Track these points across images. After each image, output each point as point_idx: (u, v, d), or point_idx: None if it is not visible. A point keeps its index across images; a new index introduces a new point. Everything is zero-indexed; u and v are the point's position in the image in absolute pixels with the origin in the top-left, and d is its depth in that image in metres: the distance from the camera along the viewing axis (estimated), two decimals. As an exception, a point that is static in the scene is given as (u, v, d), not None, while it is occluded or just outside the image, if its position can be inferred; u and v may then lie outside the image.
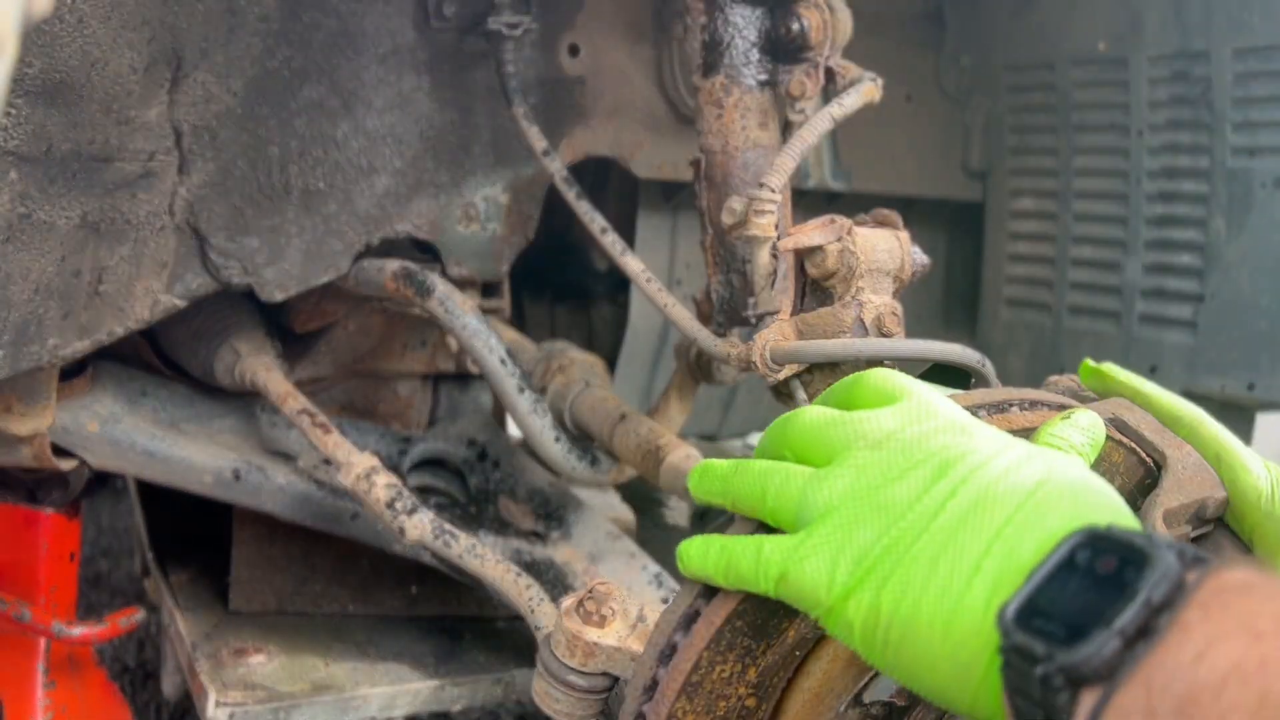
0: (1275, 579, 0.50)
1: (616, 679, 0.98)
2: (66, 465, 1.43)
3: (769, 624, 0.76)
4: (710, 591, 0.76)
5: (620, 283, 1.97)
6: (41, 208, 1.12)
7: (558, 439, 1.41)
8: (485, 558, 1.21)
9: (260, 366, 1.47)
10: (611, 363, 1.93)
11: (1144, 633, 0.49)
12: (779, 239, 1.07)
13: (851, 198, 1.87)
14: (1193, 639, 0.48)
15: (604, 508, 1.77)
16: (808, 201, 1.82)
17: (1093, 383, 0.87)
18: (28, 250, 1.12)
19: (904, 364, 0.99)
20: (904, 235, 1.07)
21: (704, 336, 1.19)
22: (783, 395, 1.12)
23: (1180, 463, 0.87)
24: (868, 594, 0.64)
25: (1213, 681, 0.46)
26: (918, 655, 0.61)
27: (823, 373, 1.06)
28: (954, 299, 2.07)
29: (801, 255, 1.06)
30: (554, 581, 1.51)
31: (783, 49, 1.18)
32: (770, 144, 1.20)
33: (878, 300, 1.04)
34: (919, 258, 1.08)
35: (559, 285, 2.15)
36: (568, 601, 1.00)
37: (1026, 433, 0.79)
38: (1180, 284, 1.64)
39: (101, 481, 2.69)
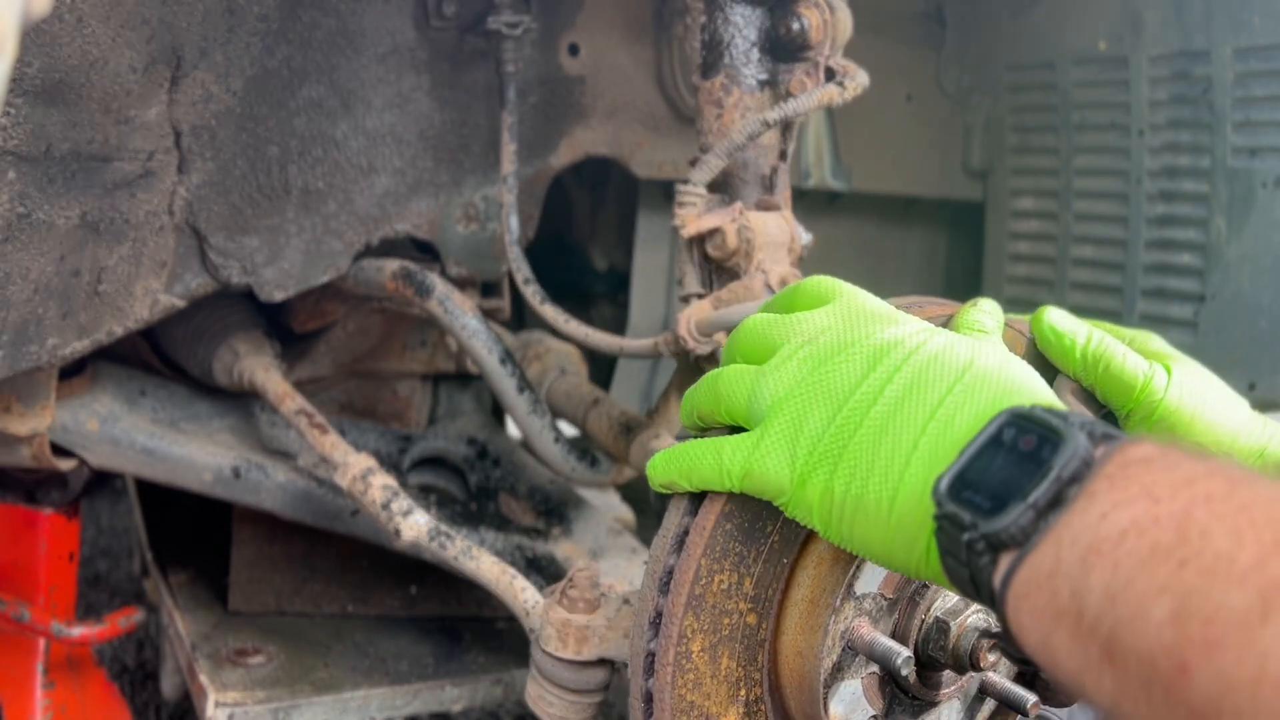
0: (1175, 451, 0.55)
1: (613, 670, 0.99)
2: (66, 465, 1.43)
3: (755, 527, 0.81)
4: (694, 509, 0.80)
5: (620, 282, 1.97)
6: (41, 207, 1.12)
7: (557, 439, 1.41)
8: (480, 559, 1.21)
9: (259, 366, 1.47)
10: (611, 363, 1.93)
11: (1055, 503, 0.56)
12: (681, 230, 1.15)
13: (852, 197, 1.86)
14: (1098, 504, 0.54)
15: (603, 508, 1.76)
16: (808, 201, 1.82)
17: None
18: (27, 250, 1.12)
19: None
20: (788, 214, 1.16)
21: (626, 344, 1.28)
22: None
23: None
24: (821, 478, 0.70)
25: (1113, 535, 0.51)
26: (868, 529, 0.67)
27: None
28: (954, 298, 2.06)
29: (704, 241, 1.14)
30: (555, 577, 1.51)
31: (783, 48, 1.18)
32: (770, 144, 1.20)
33: (780, 269, 1.12)
34: (804, 234, 1.17)
35: (559, 285, 2.15)
36: (550, 593, 1.01)
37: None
38: (1181, 284, 1.64)
39: (101, 482, 2.69)
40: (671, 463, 0.79)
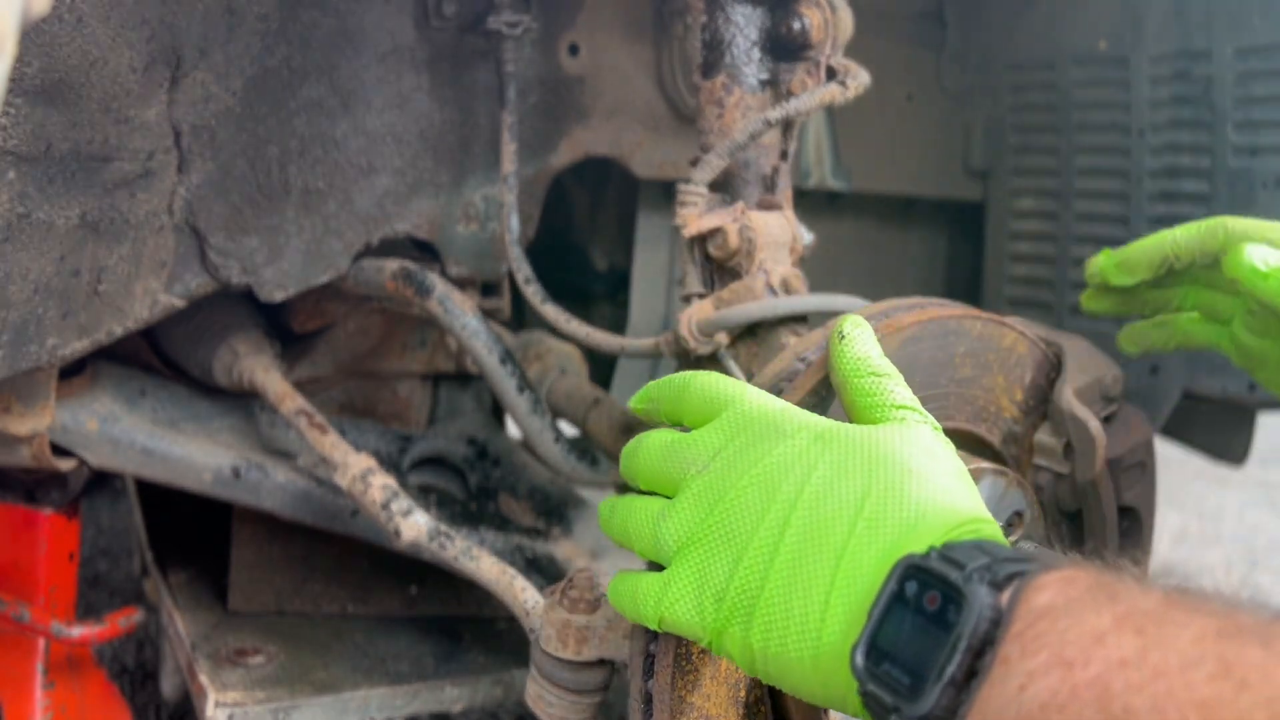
0: (1078, 587, 0.53)
1: (613, 670, 0.99)
2: (66, 465, 1.43)
3: None
4: None
5: (620, 282, 1.97)
6: (40, 207, 1.12)
7: (557, 439, 1.41)
8: (481, 559, 1.21)
9: (258, 367, 1.46)
10: (611, 363, 1.93)
11: (971, 675, 0.53)
12: (683, 230, 1.14)
13: (852, 197, 1.86)
14: (1014, 674, 0.51)
15: (604, 508, 1.76)
16: (809, 201, 1.82)
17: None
18: (26, 250, 1.12)
19: (816, 318, 1.07)
20: (789, 214, 1.16)
21: (627, 344, 1.28)
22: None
23: (1074, 349, 0.99)
24: (737, 631, 0.66)
25: (1034, 710, 0.49)
26: (797, 686, 0.65)
27: (746, 343, 1.12)
28: (955, 298, 2.06)
29: (706, 241, 1.14)
30: (555, 577, 1.51)
31: (784, 48, 1.18)
32: (771, 143, 1.20)
33: (781, 268, 1.12)
34: (805, 233, 1.17)
35: (559, 285, 2.15)
36: (550, 593, 1.01)
37: (909, 335, 0.87)
38: (1181, 284, 1.63)
39: (100, 482, 2.69)
40: (616, 590, 0.78)
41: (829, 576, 0.62)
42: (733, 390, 0.76)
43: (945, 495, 0.65)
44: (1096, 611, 0.50)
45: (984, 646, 0.53)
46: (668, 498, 0.74)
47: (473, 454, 1.69)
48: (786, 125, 1.19)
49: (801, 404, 0.82)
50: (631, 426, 1.36)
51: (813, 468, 0.67)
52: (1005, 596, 0.54)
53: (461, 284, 1.51)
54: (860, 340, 0.78)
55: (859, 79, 1.17)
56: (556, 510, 1.66)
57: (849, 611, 0.61)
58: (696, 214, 1.13)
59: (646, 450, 0.77)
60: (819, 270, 1.43)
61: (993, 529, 0.63)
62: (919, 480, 0.65)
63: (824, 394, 0.83)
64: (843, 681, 0.60)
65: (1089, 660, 0.49)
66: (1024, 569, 0.55)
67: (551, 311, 1.34)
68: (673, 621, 0.71)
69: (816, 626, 0.62)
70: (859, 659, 0.58)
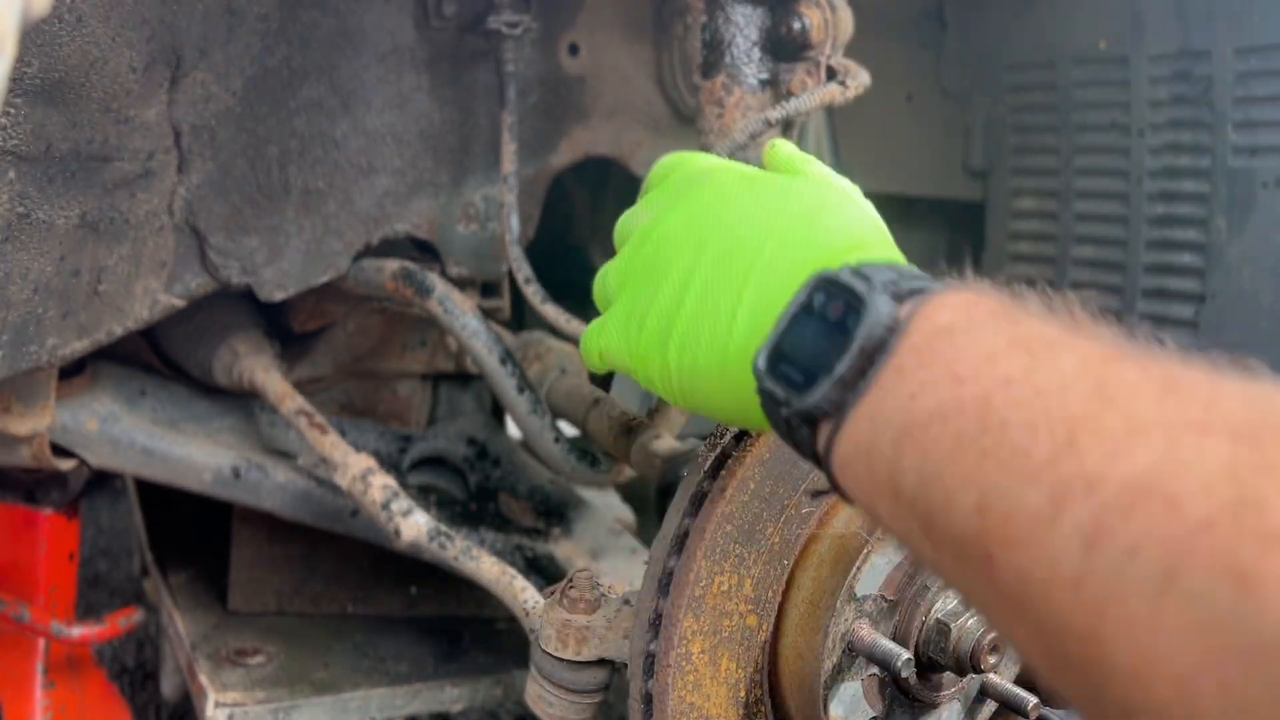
0: (980, 310, 0.54)
1: (613, 670, 0.99)
2: (66, 465, 1.43)
3: (755, 528, 0.81)
4: (694, 510, 0.79)
5: (620, 282, 1.97)
6: (40, 207, 1.12)
7: (557, 439, 1.41)
8: (481, 560, 1.21)
9: (258, 366, 1.46)
10: (611, 362, 1.92)
11: (861, 375, 0.55)
12: None
13: (852, 197, 1.86)
14: (906, 382, 0.53)
15: (603, 508, 1.76)
16: (808, 201, 1.81)
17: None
18: (27, 250, 1.12)
19: None
20: None
21: None
22: None
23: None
24: (657, 355, 0.71)
25: (921, 419, 0.51)
26: (708, 398, 0.69)
27: None
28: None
29: None
30: (555, 577, 1.51)
31: (784, 48, 1.18)
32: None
33: None
34: None
35: (559, 285, 2.15)
36: (550, 593, 1.01)
37: None
38: (1181, 284, 1.63)
39: (100, 482, 2.69)
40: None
41: (738, 293, 0.66)
42: (683, 157, 0.83)
43: (858, 226, 0.69)
44: (994, 332, 0.52)
45: (876, 351, 0.55)
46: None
47: (473, 454, 1.69)
48: (787, 125, 1.19)
49: None
50: (631, 427, 1.36)
51: (733, 202, 0.72)
52: (905, 309, 0.55)
53: (461, 284, 1.50)
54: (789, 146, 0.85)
55: (859, 79, 1.17)
56: (556, 510, 1.66)
57: (755, 322, 0.65)
58: None
59: (618, 223, 0.84)
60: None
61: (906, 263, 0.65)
62: (832, 212, 0.69)
63: None
64: (747, 387, 0.63)
65: (978, 376, 0.50)
66: (928, 287, 0.57)
67: (551, 311, 1.33)
68: (609, 352, 0.76)
69: (725, 336, 0.66)
70: (761, 361, 0.60)
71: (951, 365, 0.51)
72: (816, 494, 0.85)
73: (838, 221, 0.69)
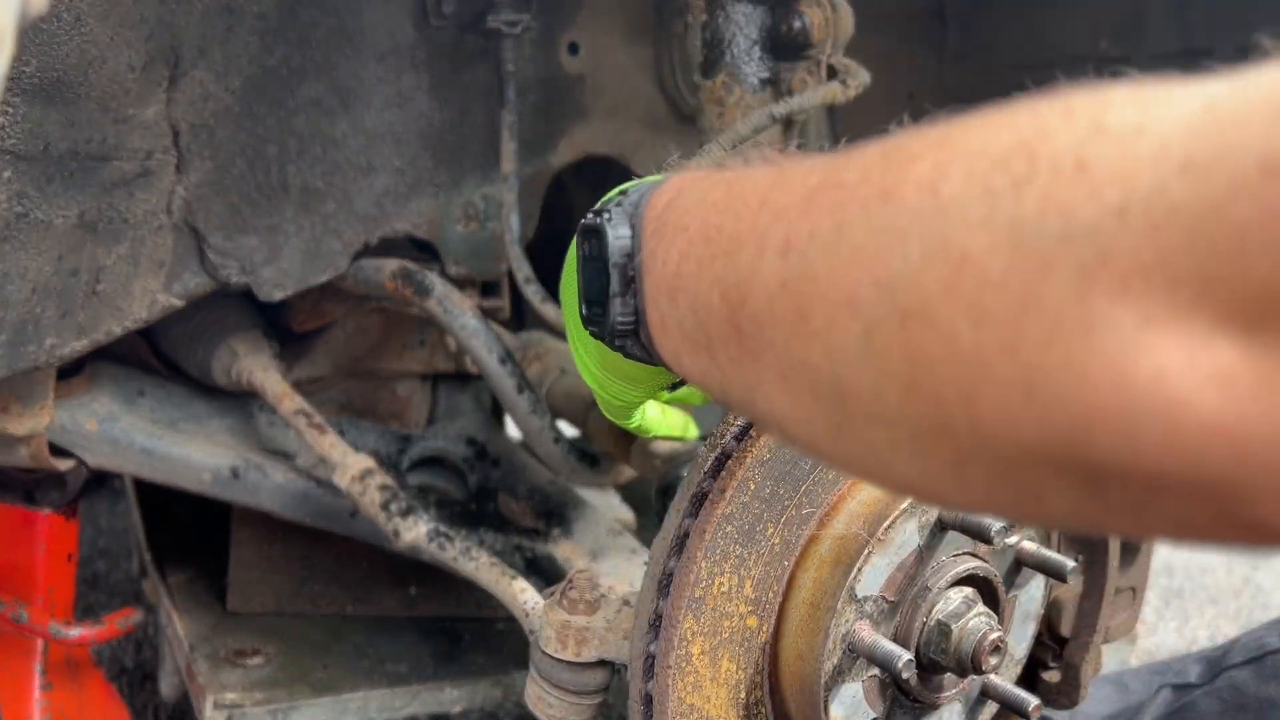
0: (693, 179, 0.66)
1: (613, 671, 0.99)
2: (64, 465, 1.43)
3: (755, 529, 0.81)
4: (695, 511, 0.78)
5: (620, 282, 1.96)
6: (39, 206, 1.12)
7: (557, 439, 1.41)
8: (480, 560, 1.21)
9: (257, 366, 1.46)
10: (611, 362, 1.92)
11: (629, 282, 0.68)
12: None
13: (852, 197, 1.86)
14: (659, 257, 0.64)
15: (603, 508, 1.76)
16: (808, 201, 1.81)
17: None
18: (25, 249, 1.12)
19: None
20: None
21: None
22: None
23: None
24: (571, 320, 0.83)
25: (678, 272, 0.62)
26: (583, 355, 0.83)
27: None
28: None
29: None
30: (555, 578, 1.50)
31: (784, 47, 1.17)
32: (772, 143, 1.20)
33: None
34: None
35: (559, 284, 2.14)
36: (550, 594, 1.00)
37: None
38: (1182, 283, 1.63)
39: (99, 482, 2.68)
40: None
41: (572, 274, 0.80)
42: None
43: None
44: (707, 184, 0.64)
45: (629, 257, 0.68)
46: None
47: (472, 454, 1.69)
48: (787, 124, 1.18)
49: None
50: (631, 427, 1.35)
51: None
52: (642, 208, 0.69)
53: (461, 284, 1.50)
54: None
55: (859, 77, 1.17)
56: (556, 510, 1.66)
57: (576, 285, 0.78)
58: None
59: None
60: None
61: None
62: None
63: None
64: (594, 341, 0.78)
65: (695, 217, 0.62)
66: (648, 186, 0.70)
67: (551, 311, 1.33)
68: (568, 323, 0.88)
69: (573, 307, 0.79)
70: (583, 313, 0.75)
71: (679, 222, 0.64)
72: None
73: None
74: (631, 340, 0.70)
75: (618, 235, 0.69)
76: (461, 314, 1.36)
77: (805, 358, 0.51)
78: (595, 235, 0.71)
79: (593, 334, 0.76)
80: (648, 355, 0.71)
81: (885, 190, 0.48)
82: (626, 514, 1.83)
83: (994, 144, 0.46)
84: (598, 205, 0.73)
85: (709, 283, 0.59)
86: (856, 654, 0.83)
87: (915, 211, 0.46)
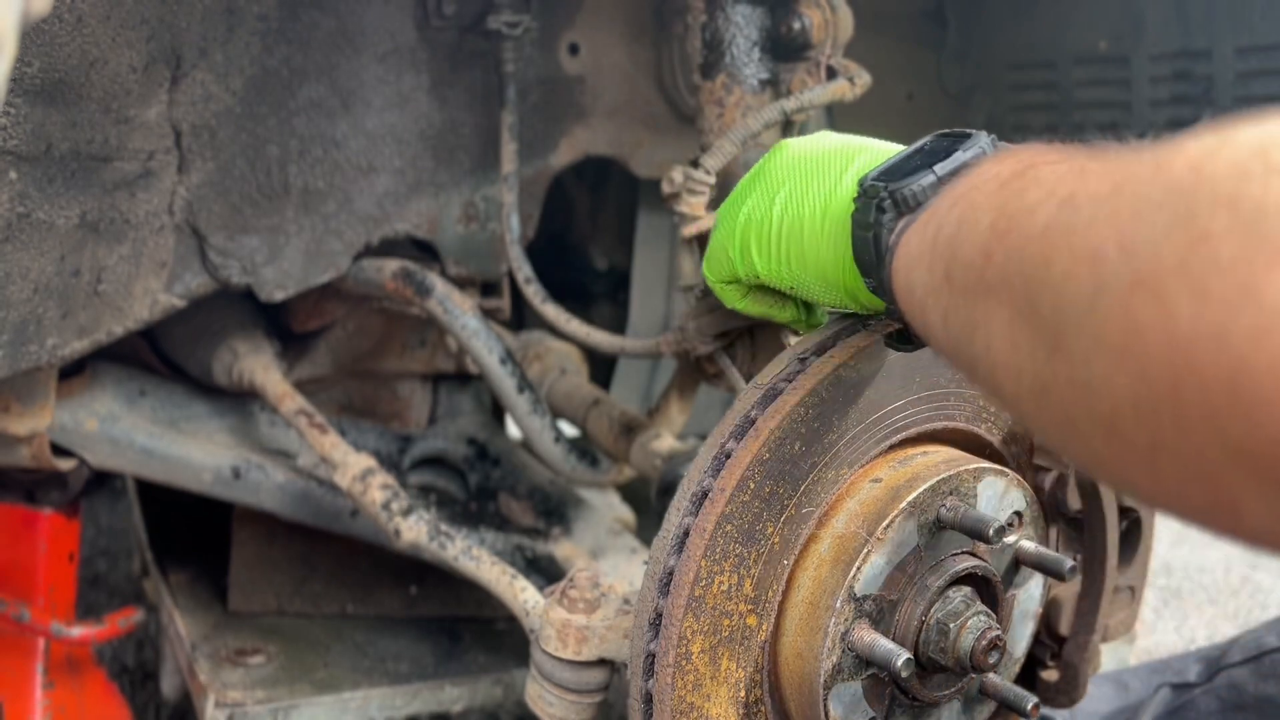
0: (1040, 150, 0.64)
1: (613, 670, 0.99)
2: (65, 465, 1.43)
3: (755, 528, 0.81)
4: (695, 510, 0.79)
5: (620, 282, 1.97)
6: (40, 207, 1.12)
7: (557, 439, 1.41)
8: (480, 560, 1.21)
9: (258, 366, 1.46)
10: (611, 363, 1.93)
11: (953, 174, 0.69)
12: (681, 228, 1.14)
13: (852, 197, 1.86)
14: (978, 171, 0.65)
15: (603, 508, 1.76)
16: (808, 201, 1.81)
17: None
18: (27, 250, 1.12)
19: None
20: None
21: (627, 344, 1.28)
22: (710, 375, 1.18)
23: None
24: (760, 209, 0.83)
25: (977, 182, 0.64)
26: (804, 243, 0.80)
27: (745, 344, 1.11)
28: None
29: (705, 241, 1.12)
30: (555, 577, 1.51)
31: (784, 47, 1.18)
32: (772, 143, 1.20)
33: None
34: None
35: (558, 285, 2.15)
36: (550, 593, 1.01)
37: None
38: (1181, 283, 1.63)
39: (100, 482, 2.69)
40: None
41: (842, 166, 0.79)
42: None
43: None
44: (1040, 152, 0.63)
45: (970, 164, 0.69)
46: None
47: (473, 454, 1.69)
48: (787, 124, 1.19)
49: (800, 405, 0.82)
50: (632, 427, 1.36)
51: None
52: (1000, 145, 0.72)
53: (461, 284, 1.50)
54: None
55: (863, 77, 1.17)
56: (556, 510, 1.66)
57: (864, 167, 0.77)
58: (704, 202, 1.13)
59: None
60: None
61: None
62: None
63: (824, 394, 0.83)
64: (845, 214, 0.76)
65: (1014, 165, 0.62)
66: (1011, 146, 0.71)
67: (551, 311, 1.33)
68: (714, 231, 0.89)
69: (834, 184, 0.78)
70: (871, 174, 0.74)
71: (1015, 153, 0.64)
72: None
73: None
74: (890, 213, 0.70)
75: (983, 143, 0.72)
76: (462, 314, 1.36)
77: (1035, 305, 0.51)
78: (956, 138, 0.73)
79: (868, 186, 0.74)
80: (876, 248, 0.71)
81: (1160, 163, 0.48)
82: (626, 514, 1.83)
83: (1262, 133, 0.45)
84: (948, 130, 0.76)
85: (987, 207, 0.59)
86: (855, 653, 0.83)
87: (1176, 183, 0.45)
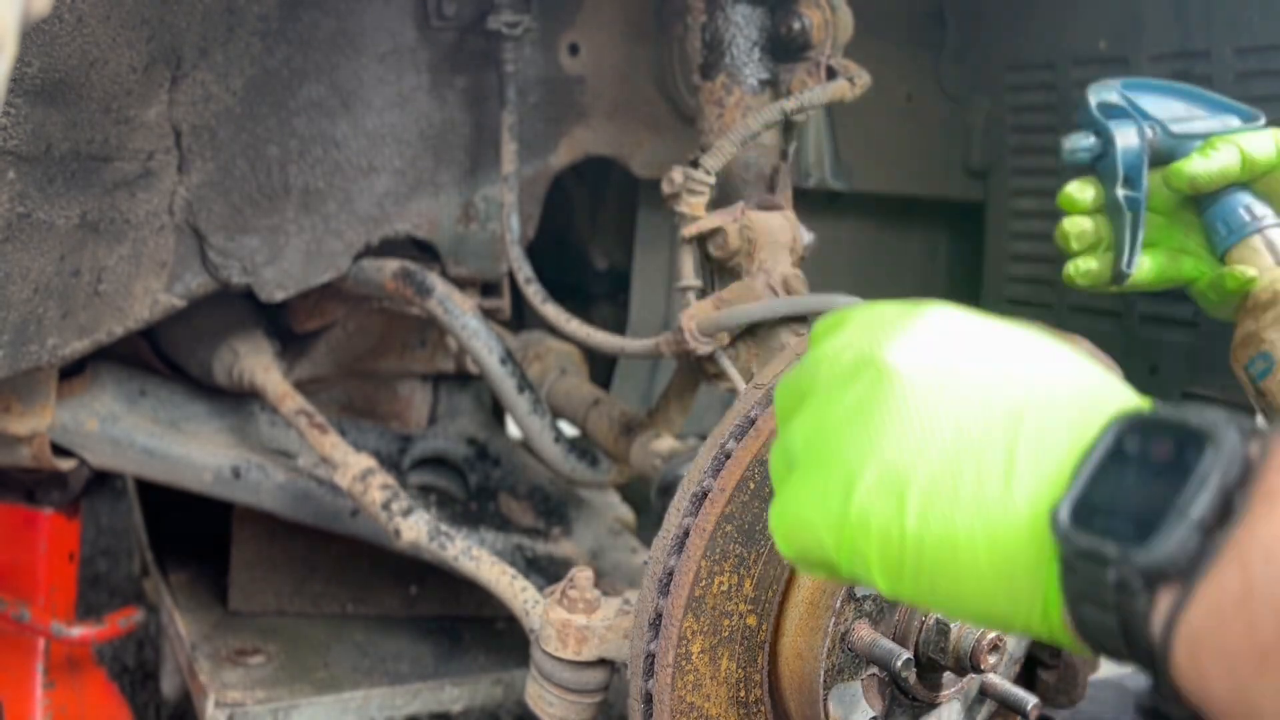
0: None
1: (612, 670, 0.99)
2: (66, 465, 1.43)
3: (755, 529, 0.81)
4: (695, 510, 0.79)
5: (620, 282, 1.97)
6: (41, 207, 1.12)
7: (557, 439, 1.41)
8: (480, 560, 1.21)
9: (258, 366, 1.47)
10: (611, 363, 1.93)
11: (1224, 517, 0.46)
12: (681, 229, 1.14)
13: (852, 197, 1.86)
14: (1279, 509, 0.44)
15: (603, 508, 1.77)
16: (808, 201, 1.81)
17: None
18: (27, 250, 1.12)
19: (816, 318, 1.05)
20: (790, 214, 1.16)
21: (627, 344, 1.27)
22: (710, 375, 1.19)
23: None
24: (881, 517, 0.54)
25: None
26: (959, 576, 0.53)
27: (746, 344, 1.12)
28: (955, 299, 2.06)
29: (705, 241, 1.14)
30: (555, 577, 1.51)
31: (784, 48, 1.18)
32: (772, 144, 1.20)
33: (781, 269, 1.12)
34: (806, 234, 1.17)
35: (558, 285, 2.15)
36: (550, 593, 1.01)
37: None
38: (1181, 284, 1.63)
39: (100, 481, 2.69)
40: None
41: (1009, 446, 0.53)
42: (862, 306, 0.67)
43: (1119, 383, 0.57)
44: None
45: (1235, 488, 0.46)
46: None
47: (473, 454, 1.69)
48: (787, 125, 1.19)
49: None
50: (632, 427, 1.36)
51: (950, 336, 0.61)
52: (1254, 446, 0.47)
53: (461, 284, 1.50)
54: None
55: (863, 77, 1.17)
56: (556, 510, 1.66)
57: (1039, 475, 0.51)
58: (704, 202, 1.13)
59: (780, 387, 0.67)
60: (819, 270, 1.43)
61: None
62: (1064, 359, 0.57)
63: None
64: (1030, 555, 0.51)
65: None
66: (1260, 426, 0.48)
67: (551, 311, 1.34)
68: (800, 525, 0.58)
69: (998, 494, 0.52)
70: (1063, 514, 0.49)
71: None
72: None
73: (1096, 371, 0.57)
74: (1144, 596, 0.47)
75: (1235, 447, 0.47)
76: (462, 314, 1.36)
77: None
78: (1178, 435, 0.48)
79: (1078, 545, 0.48)
80: (1127, 637, 0.48)
81: None
82: (626, 514, 1.83)
83: None
84: (1159, 406, 0.51)
85: None
86: (855, 653, 0.84)
87: None
